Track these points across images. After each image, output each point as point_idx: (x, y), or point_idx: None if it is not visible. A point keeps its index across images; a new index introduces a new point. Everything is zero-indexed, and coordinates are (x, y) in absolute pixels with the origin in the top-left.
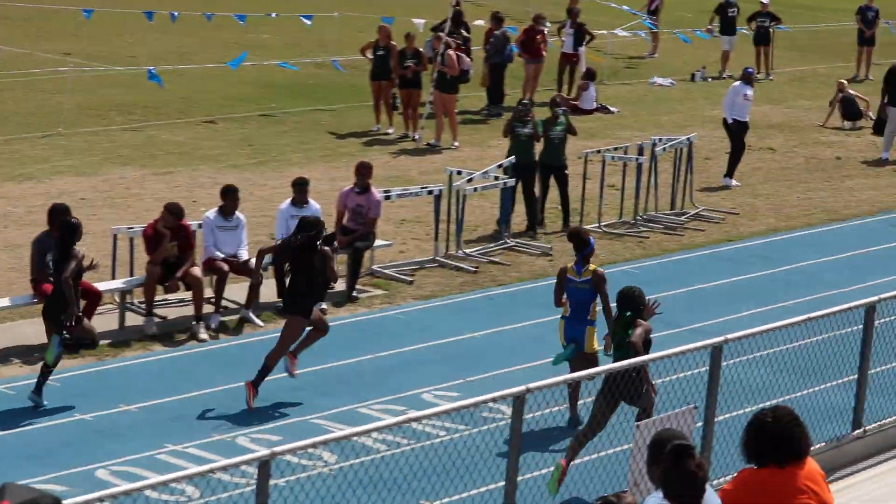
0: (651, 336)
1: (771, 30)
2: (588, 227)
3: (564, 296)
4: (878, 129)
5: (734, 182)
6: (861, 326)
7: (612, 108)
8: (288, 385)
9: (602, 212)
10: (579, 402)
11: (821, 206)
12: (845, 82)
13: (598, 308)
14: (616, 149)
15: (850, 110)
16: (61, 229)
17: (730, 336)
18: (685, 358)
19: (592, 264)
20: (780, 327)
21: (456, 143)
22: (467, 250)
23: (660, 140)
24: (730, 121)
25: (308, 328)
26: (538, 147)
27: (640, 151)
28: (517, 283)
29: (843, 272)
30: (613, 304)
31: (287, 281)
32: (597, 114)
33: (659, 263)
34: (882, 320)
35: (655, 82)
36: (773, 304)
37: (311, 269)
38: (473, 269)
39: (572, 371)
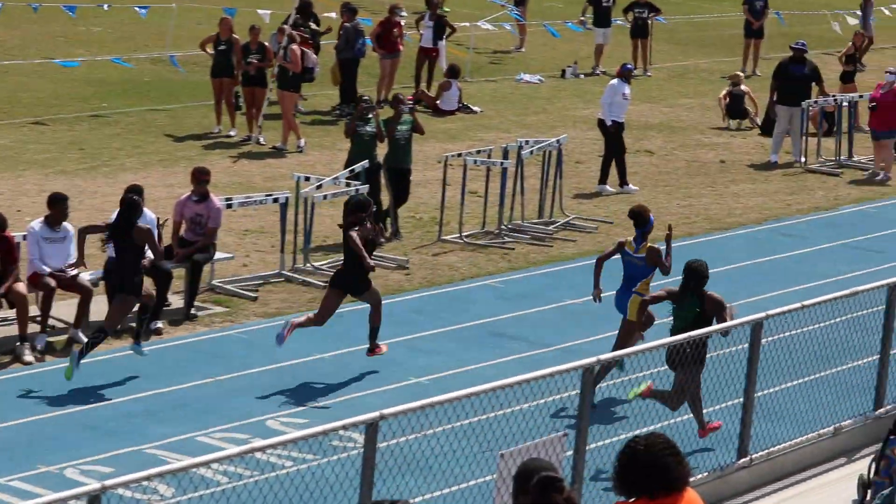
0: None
1: (649, 21)
2: (448, 237)
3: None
4: (767, 129)
5: (609, 188)
6: (747, 345)
7: (474, 108)
8: (121, 411)
9: (463, 221)
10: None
11: (703, 214)
12: (741, 75)
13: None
14: (479, 152)
15: (736, 108)
16: (123, 206)
17: (602, 357)
18: (555, 380)
19: (649, 242)
20: (659, 346)
21: (301, 143)
22: (316, 263)
23: (527, 142)
24: (608, 122)
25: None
26: (382, 149)
27: (506, 155)
28: None
29: (726, 286)
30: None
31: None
32: (458, 114)
33: (525, 277)
34: (769, 338)
35: (522, 79)
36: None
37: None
38: (323, 285)
39: (617, 338)
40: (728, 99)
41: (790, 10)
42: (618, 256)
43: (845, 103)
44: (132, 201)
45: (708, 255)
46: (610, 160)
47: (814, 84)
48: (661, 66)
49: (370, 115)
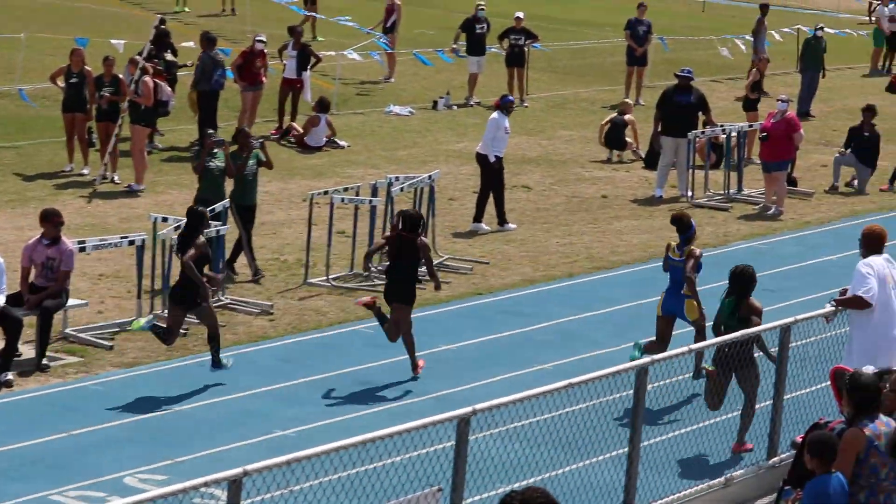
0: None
1: (526, 49)
2: (315, 280)
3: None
4: (651, 162)
5: (485, 226)
6: (632, 392)
7: (341, 143)
8: None
9: (330, 263)
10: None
11: (584, 253)
12: (630, 102)
13: (703, 287)
14: (346, 189)
15: (615, 137)
16: (188, 216)
17: (478, 406)
18: (428, 432)
19: (691, 245)
20: (536, 395)
21: (141, 187)
22: None
23: (397, 178)
24: (492, 158)
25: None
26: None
27: (375, 192)
28: (233, 346)
29: (609, 329)
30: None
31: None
32: (325, 149)
33: None
34: (655, 384)
35: (392, 111)
36: (528, 367)
37: (413, 258)
38: (183, 332)
39: (661, 333)
40: (608, 126)
41: (675, 36)
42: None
43: (734, 133)
44: (194, 211)
45: (590, 297)
46: (486, 197)
47: (700, 113)
48: (539, 96)
49: (217, 150)
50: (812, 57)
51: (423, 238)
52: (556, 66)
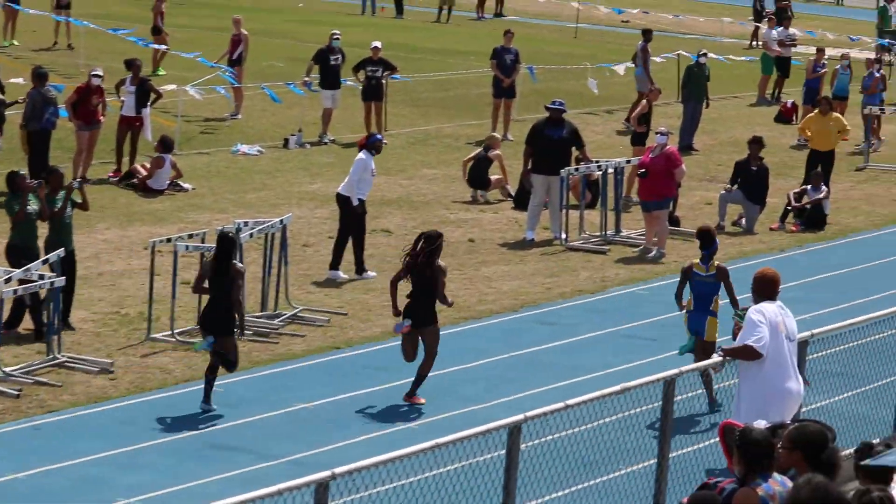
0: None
1: (384, 81)
2: (159, 335)
3: (688, 295)
4: (521, 202)
5: (342, 274)
6: (504, 451)
7: (185, 185)
8: None
9: (175, 316)
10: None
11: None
12: (498, 137)
13: (722, 301)
14: (191, 236)
15: (479, 175)
16: (220, 241)
17: (338, 470)
18: (283, 499)
19: (716, 260)
20: (400, 457)
21: None
22: (7, 369)
23: (246, 223)
24: (356, 201)
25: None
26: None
27: None
28: (71, 408)
29: (479, 384)
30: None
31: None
32: (167, 192)
33: (248, 379)
34: (529, 444)
35: (239, 150)
36: (393, 425)
37: (427, 281)
38: (16, 393)
39: (696, 360)
40: (472, 164)
41: (545, 65)
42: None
43: (611, 170)
44: (226, 236)
45: (458, 349)
46: (344, 242)
47: (574, 149)
48: (399, 131)
49: (34, 194)
50: (695, 85)
51: (440, 262)
52: (416, 99)
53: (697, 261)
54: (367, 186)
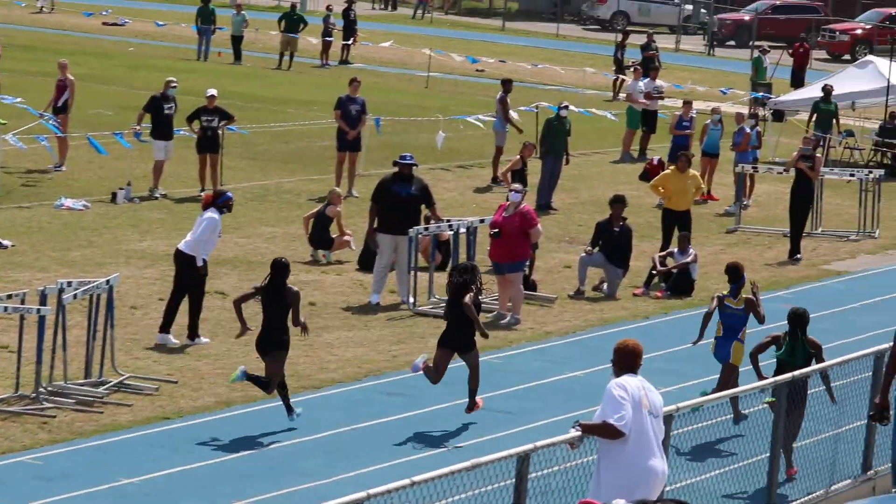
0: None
1: (220, 131)
2: None
3: (719, 322)
4: (366, 263)
5: (173, 339)
6: None
7: (4, 242)
8: None
9: None
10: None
11: (289, 370)
12: (339, 191)
13: (748, 330)
14: (10, 297)
15: (320, 235)
16: (273, 268)
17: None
18: None
19: (743, 294)
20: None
21: None
22: None
23: (69, 284)
24: (200, 262)
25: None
26: None
27: (43, 300)
28: None
29: (318, 458)
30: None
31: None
32: None
33: (71, 451)
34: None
35: (63, 205)
36: None
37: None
38: None
39: (719, 381)
40: (312, 221)
41: (394, 116)
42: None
43: (463, 230)
44: (279, 263)
45: (297, 420)
46: (178, 304)
47: (423, 207)
48: (236, 186)
49: None
50: (554, 140)
51: (468, 299)
52: (255, 151)
53: (727, 293)
54: (211, 247)
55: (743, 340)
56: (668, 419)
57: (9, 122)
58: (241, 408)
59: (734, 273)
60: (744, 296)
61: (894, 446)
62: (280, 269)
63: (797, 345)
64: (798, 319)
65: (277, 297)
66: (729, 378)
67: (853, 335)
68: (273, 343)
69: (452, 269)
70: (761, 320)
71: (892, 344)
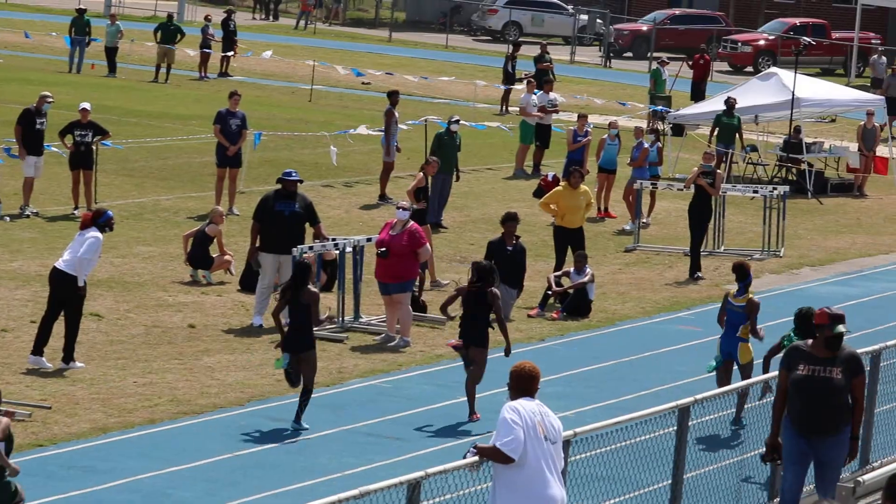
0: None
1: (94, 147)
2: None
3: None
4: (248, 284)
5: (47, 363)
6: None
7: None
8: None
9: None
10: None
11: (168, 395)
12: (221, 210)
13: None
14: None
15: (200, 253)
16: (296, 268)
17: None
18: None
19: (750, 293)
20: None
21: None
22: None
23: None
24: (81, 282)
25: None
26: None
27: None
28: None
29: (198, 486)
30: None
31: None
32: None
33: None
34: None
35: None
36: None
37: (485, 307)
38: None
39: (720, 382)
40: (191, 241)
41: (276, 131)
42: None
43: (349, 249)
44: (301, 264)
45: (176, 448)
46: (51, 325)
47: (308, 225)
48: (112, 203)
49: None
50: (445, 155)
51: (494, 289)
52: (131, 167)
53: (734, 290)
54: (92, 267)
55: (747, 339)
56: (566, 444)
57: None
58: (117, 434)
59: (741, 272)
60: (748, 296)
61: (785, 476)
62: (302, 270)
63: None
64: (805, 319)
65: (300, 297)
66: (749, 377)
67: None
68: (301, 344)
69: (474, 266)
70: (755, 333)
71: (777, 373)
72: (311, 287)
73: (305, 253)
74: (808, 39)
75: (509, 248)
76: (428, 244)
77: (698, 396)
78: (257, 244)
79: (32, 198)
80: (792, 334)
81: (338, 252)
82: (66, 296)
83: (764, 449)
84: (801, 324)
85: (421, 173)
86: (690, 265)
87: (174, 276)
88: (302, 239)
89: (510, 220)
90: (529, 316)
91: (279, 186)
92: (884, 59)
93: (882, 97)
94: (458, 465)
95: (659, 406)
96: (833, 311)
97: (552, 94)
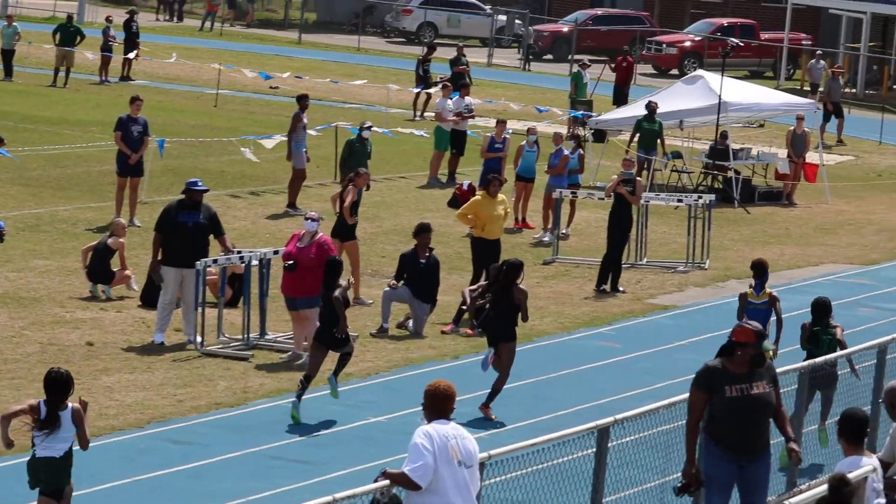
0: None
1: None
2: None
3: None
4: (149, 299)
5: None
6: None
7: None
8: None
9: None
10: None
11: None
12: (122, 222)
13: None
14: None
15: (100, 267)
16: (327, 265)
17: None
18: None
19: (768, 289)
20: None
21: None
22: None
23: None
24: None
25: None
26: None
27: None
28: None
29: None
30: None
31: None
32: None
33: None
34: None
35: None
36: None
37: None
38: None
39: None
40: (91, 254)
41: (180, 138)
42: None
43: (255, 262)
44: (333, 260)
45: (73, 473)
46: None
47: (212, 237)
48: (7, 214)
49: None
50: (356, 163)
51: (519, 286)
52: (27, 176)
53: (751, 289)
54: None
55: (767, 336)
56: (481, 467)
57: None
58: (8, 459)
59: (759, 269)
60: (767, 291)
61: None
62: (332, 266)
63: (822, 334)
64: (821, 308)
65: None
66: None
67: (675, 377)
68: (335, 341)
69: (503, 263)
70: (780, 322)
71: (688, 396)
72: (339, 286)
73: (209, 266)
74: (735, 41)
75: (422, 260)
76: (338, 257)
77: (618, 416)
78: (159, 257)
79: None
80: (813, 326)
81: (244, 266)
82: None
83: (680, 482)
84: (818, 312)
85: (351, 185)
86: (611, 277)
87: (72, 292)
88: (206, 251)
89: (423, 231)
90: (443, 332)
91: (182, 196)
92: (822, 62)
93: (812, 101)
94: (367, 489)
95: (578, 426)
96: (756, 328)
97: (468, 99)
